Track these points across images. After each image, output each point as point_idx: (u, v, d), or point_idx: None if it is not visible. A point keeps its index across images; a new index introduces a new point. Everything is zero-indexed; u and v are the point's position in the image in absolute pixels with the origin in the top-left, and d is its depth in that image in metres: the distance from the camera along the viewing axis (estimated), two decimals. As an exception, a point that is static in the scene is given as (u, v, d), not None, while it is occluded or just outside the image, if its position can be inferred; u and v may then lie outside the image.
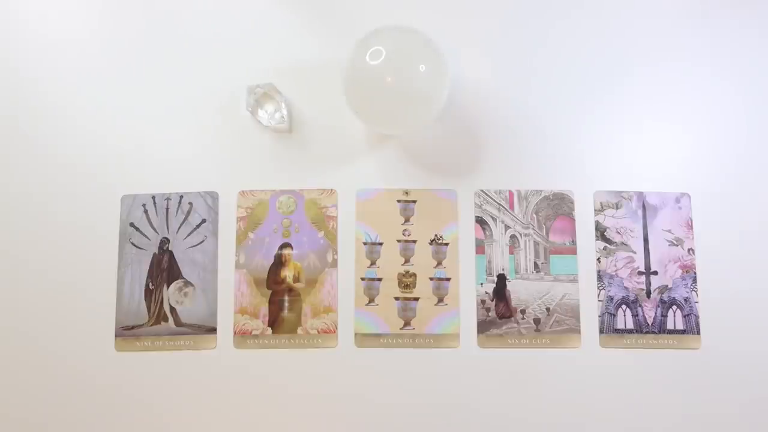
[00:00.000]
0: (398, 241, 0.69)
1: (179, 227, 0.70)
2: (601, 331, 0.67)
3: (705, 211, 0.69)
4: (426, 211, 0.70)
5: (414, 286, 0.68)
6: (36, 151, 0.71)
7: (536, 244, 0.69)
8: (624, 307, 0.68)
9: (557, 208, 0.70)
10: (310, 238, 0.69)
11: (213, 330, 0.68)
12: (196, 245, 0.69)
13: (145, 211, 0.70)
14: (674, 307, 0.68)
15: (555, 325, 0.68)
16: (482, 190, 0.70)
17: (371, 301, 0.68)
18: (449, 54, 0.65)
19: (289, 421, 0.66)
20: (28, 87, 0.72)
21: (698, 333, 0.67)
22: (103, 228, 0.69)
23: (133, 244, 0.69)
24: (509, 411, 0.66)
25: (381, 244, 0.69)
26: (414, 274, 0.69)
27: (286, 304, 0.68)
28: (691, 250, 0.69)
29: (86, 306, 0.68)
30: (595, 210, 0.69)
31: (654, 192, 0.70)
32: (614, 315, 0.68)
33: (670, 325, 0.67)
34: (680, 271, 0.68)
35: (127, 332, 0.68)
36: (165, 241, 0.69)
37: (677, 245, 0.69)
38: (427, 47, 0.63)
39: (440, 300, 0.68)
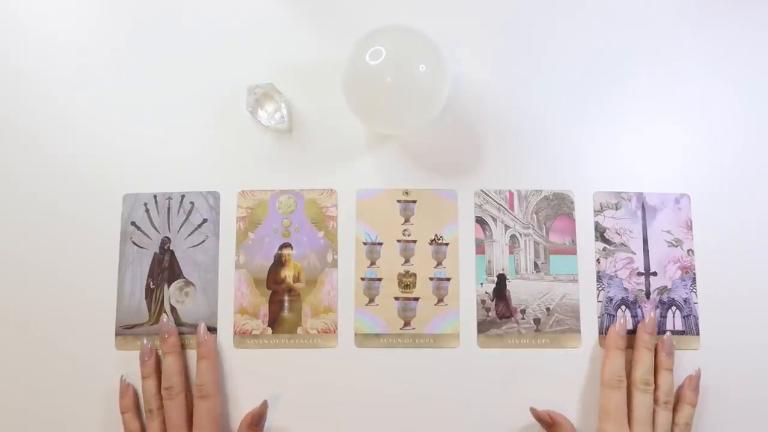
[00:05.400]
0: (398, 241, 0.69)
1: (180, 227, 0.70)
2: (601, 332, 0.67)
3: (704, 212, 0.69)
4: (426, 211, 0.70)
5: (414, 286, 0.68)
6: (37, 150, 0.71)
7: (536, 244, 0.69)
8: (623, 308, 0.68)
9: (557, 208, 0.70)
10: (310, 238, 0.69)
11: (213, 330, 0.68)
12: (197, 245, 0.69)
13: (147, 210, 0.70)
14: (674, 308, 0.68)
15: (555, 325, 0.68)
16: (482, 190, 0.70)
17: (371, 301, 0.68)
18: (449, 54, 0.65)
19: (289, 421, 0.66)
20: (28, 87, 0.72)
21: (698, 334, 0.67)
22: (104, 227, 0.70)
23: (135, 243, 0.69)
24: (509, 411, 0.66)
25: (381, 244, 0.69)
26: (414, 274, 0.69)
27: (286, 304, 0.68)
28: (690, 251, 0.68)
29: (87, 304, 0.68)
30: (594, 210, 0.69)
31: (653, 193, 0.70)
32: (614, 316, 0.68)
33: (669, 326, 0.67)
34: (680, 271, 0.68)
35: (127, 331, 0.68)
36: (166, 241, 0.69)
37: (677, 246, 0.69)
38: (427, 47, 0.63)
39: (440, 300, 0.68)
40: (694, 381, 0.65)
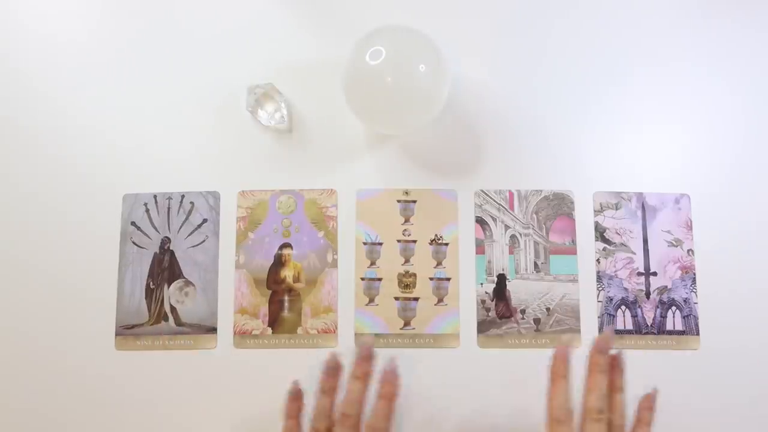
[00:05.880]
0: (398, 241, 0.69)
1: (180, 227, 0.70)
2: (601, 332, 0.67)
3: (704, 212, 0.69)
4: (426, 211, 0.70)
5: (414, 286, 0.68)
6: (37, 150, 0.71)
7: (536, 244, 0.69)
8: (623, 308, 0.68)
9: (557, 208, 0.70)
10: (310, 238, 0.69)
11: (213, 330, 0.68)
12: (197, 245, 0.69)
13: (147, 210, 0.70)
14: (673, 307, 0.68)
15: (555, 325, 0.68)
16: (482, 190, 0.70)
17: (371, 301, 0.68)
18: (449, 54, 0.65)
19: (289, 420, 0.66)
20: (29, 87, 0.72)
21: (697, 334, 0.67)
22: (104, 227, 0.70)
23: (135, 243, 0.69)
24: (509, 411, 0.66)
25: (381, 244, 0.69)
26: (414, 274, 0.69)
27: (286, 304, 0.68)
28: (690, 251, 0.68)
29: (87, 305, 0.68)
30: (594, 211, 0.69)
31: (653, 193, 0.70)
32: (613, 316, 0.68)
33: (669, 326, 0.67)
34: (680, 271, 0.68)
35: (127, 331, 0.68)
36: (166, 241, 0.69)
37: (676, 246, 0.69)
38: (427, 47, 0.63)
39: (440, 300, 0.68)
40: (651, 400, 0.60)
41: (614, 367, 0.59)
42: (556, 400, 0.57)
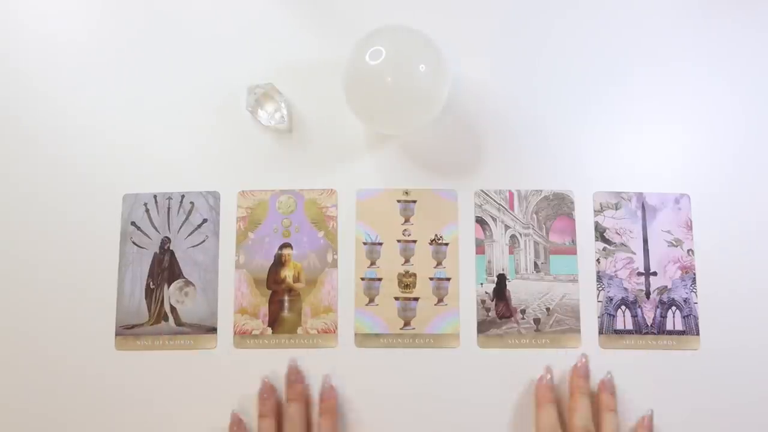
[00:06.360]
0: (398, 241, 0.69)
1: (180, 227, 0.70)
2: (601, 332, 0.67)
3: (704, 212, 0.69)
4: (426, 211, 0.70)
5: (414, 286, 0.68)
6: (37, 150, 0.71)
7: (536, 244, 0.69)
8: (623, 308, 0.68)
9: (557, 208, 0.70)
10: (310, 238, 0.69)
11: (213, 330, 0.68)
12: (197, 245, 0.69)
13: (147, 210, 0.70)
14: (673, 307, 0.68)
15: (555, 325, 0.68)
16: (482, 190, 0.70)
17: (371, 301, 0.68)
18: (449, 54, 0.65)
19: (289, 420, 0.66)
20: (28, 87, 0.72)
21: (697, 334, 0.67)
22: (104, 227, 0.70)
23: (135, 243, 0.69)
24: (509, 411, 0.66)
25: (381, 244, 0.69)
26: (414, 274, 0.69)
27: (286, 304, 0.68)
28: (690, 251, 0.68)
29: (87, 305, 0.68)
30: (594, 211, 0.69)
31: (653, 193, 0.70)
32: (613, 316, 0.68)
33: (669, 326, 0.67)
34: (680, 271, 0.68)
35: (127, 331, 0.68)
36: (166, 241, 0.69)
37: (677, 246, 0.69)
38: (427, 47, 0.63)
39: (440, 300, 0.68)
40: (647, 422, 0.63)
41: (603, 389, 0.63)
42: (544, 422, 0.61)
